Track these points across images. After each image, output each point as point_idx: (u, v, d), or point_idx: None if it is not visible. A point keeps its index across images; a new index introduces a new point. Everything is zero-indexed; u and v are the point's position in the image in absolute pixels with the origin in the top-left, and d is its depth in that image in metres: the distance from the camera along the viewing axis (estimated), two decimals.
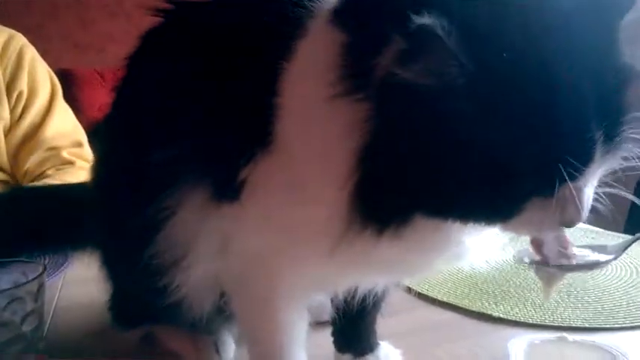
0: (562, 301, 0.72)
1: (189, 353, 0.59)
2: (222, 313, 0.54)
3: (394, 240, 0.39)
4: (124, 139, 0.53)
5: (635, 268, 0.82)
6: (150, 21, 0.52)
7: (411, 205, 0.38)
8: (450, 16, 0.33)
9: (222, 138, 0.45)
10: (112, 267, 0.60)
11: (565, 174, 0.35)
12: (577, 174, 0.35)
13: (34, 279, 0.55)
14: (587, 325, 0.66)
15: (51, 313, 0.68)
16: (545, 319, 0.67)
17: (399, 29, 0.34)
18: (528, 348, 0.47)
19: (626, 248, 0.51)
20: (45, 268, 0.57)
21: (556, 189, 0.35)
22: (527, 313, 0.69)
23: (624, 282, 0.78)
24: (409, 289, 0.74)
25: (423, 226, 0.39)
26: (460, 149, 0.35)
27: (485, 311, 0.69)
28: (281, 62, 0.42)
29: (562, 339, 0.49)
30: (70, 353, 0.59)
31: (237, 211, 0.45)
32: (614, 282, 0.78)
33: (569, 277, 0.78)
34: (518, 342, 0.48)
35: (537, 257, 0.47)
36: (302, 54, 0.42)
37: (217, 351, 0.59)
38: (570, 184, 0.35)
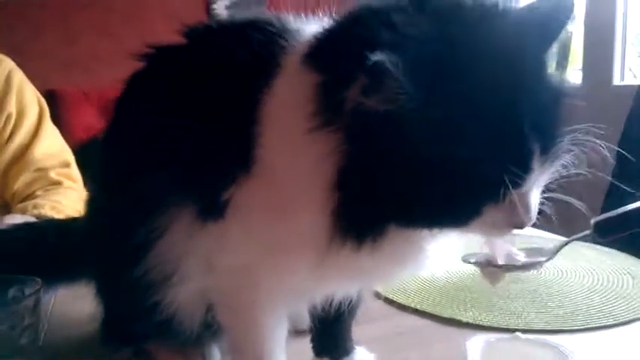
0: (527, 306, 0.77)
1: None
2: (209, 327, 0.57)
3: (372, 251, 0.44)
4: (117, 169, 0.58)
5: (597, 274, 0.88)
6: (136, 42, 0.56)
7: (384, 218, 0.44)
8: (399, 53, 0.39)
9: (206, 163, 0.49)
10: (105, 290, 0.63)
11: (509, 182, 0.41)
12: (519, 181, 0.42)
13: (31, 295, 0.58)
14: (548, 328, 0.71)
15: (45, 327, 0.71)
16: (510, 323, 0.72)
17: (361, 68, 0.39)
18: (485, 346, 0.52)
19: (557, 251, 0.59)
20: (42, 285, 0.60)
21: (502, 195, 0.42)
22: (494, 318, 0.74)
23: (586, 288, 0.83)
24: (385, 298, 0.79)
25: (396, 237, 0.45)
26: (420, 165, 0.41)
27: (455, 317, 0.74)
28: (259, 95, 0.47)
29: (516, 337, 0.54)
30: None
31: (221, 229, 0.50)
32: (575, 288, 0.83)
33: (535, 284, 0.83)
34: (476, 341, 0.52)
35: (483, 259, 0.54)
36: (279, 89, 0.48)
37: None
38: (515, 191, 0.42)
